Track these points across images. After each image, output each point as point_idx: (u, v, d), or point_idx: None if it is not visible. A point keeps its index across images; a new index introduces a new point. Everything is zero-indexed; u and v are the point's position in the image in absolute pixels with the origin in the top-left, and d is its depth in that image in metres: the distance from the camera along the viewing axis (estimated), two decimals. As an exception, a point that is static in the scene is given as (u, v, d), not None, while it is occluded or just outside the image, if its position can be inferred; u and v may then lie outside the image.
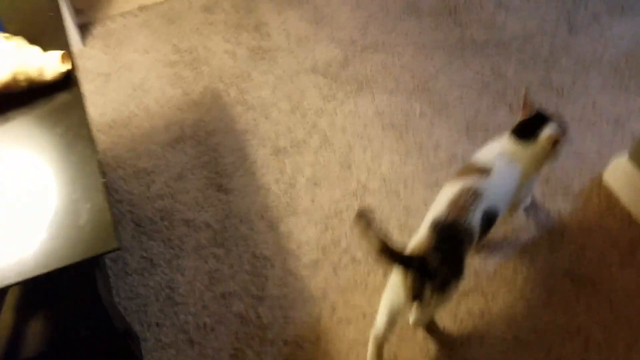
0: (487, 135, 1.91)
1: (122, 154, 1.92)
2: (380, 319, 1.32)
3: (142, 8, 2.40)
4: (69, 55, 1.12)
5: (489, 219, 1.31)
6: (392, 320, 1.31)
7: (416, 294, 1.20)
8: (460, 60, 2.17)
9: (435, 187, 1.78)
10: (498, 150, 1.42)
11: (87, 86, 2.10)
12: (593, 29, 2.26)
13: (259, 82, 2.11)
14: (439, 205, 1.29)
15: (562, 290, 1.56)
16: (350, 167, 1.85)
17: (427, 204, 1.73)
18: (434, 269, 1.17)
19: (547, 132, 1.38)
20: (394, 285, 1.26)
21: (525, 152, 1.39)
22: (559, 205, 1.74)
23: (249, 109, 2.02)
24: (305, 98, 2.05)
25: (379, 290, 1.47)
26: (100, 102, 2.07)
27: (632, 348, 1.43)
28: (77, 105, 1.07)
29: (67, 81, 1.09)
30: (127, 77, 2.15)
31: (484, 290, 1.57)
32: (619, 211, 1.70)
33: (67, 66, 1.10)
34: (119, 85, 2.12)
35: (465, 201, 1.26)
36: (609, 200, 1.73)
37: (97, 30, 2.32)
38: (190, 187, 1.82)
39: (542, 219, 1.71)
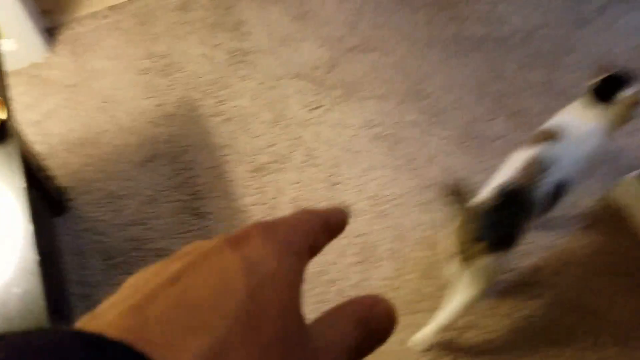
0: (484, 145, 1.76)
1: (91, 175, 1.78)
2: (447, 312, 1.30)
3: (112, 8, 2.23)
4: (3, 102, 0.98)
5: (559, 191, 1.22)
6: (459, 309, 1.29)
7: (468, 255, 1.15)
8: (456, 58, 2.00)
9: (428, 206, 1.65)
10: (572, 115, 1.30)
11: (54, 99, 1.96)
12: (600, 22, 2.08)
13: (237, 90, 1.96)
14: (507, 170, 1.24)
15: (567, 323, 1.44)
16: (336, 185, 1.71)
17: (419, 226, 1.60)
18: (489, 231, 1.13)
19: (627, 93, 1.25)
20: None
21: (602, 114, 1.26)
22: (565, 226, 1.60)
23: (227, 120, 1.88)
24: (288, 107, 1.90)
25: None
26: (69, 116, 1.93)
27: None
28: (13, 165, 0.93)
29: (2, 133, 0.95)
30: (96, 88, 2.00)
31: (482, 325, 1.46)
32: (628, 232, 1.57)
33: (1, 116, 0.96)
34: (88, 97, 1.98)
35: (534, 169, 1.19)
36: (618, 220, 1.59)
37: (64, 35, 2.16)
38: (163, 211, 1.69)
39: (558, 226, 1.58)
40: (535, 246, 1.57)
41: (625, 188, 1.59)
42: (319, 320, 0.23)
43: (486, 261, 1.15)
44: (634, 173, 1.56)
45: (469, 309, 1.28)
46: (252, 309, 0.19)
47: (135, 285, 0.20)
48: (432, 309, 1.48)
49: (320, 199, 1.68)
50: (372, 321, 0.24)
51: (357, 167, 1.75)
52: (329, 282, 1.54)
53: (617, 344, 1.40)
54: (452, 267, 1.23)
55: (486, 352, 1.43)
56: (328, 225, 0.26)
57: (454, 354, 1.42)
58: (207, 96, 1.94)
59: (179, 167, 1.78)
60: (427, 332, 1.39)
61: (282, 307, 0.20)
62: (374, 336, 0.24)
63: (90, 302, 1.54)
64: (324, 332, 0.22)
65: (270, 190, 1.72)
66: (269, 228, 0.23)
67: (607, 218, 1.60)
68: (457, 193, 1.17)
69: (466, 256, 1.17)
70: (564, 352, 1.41)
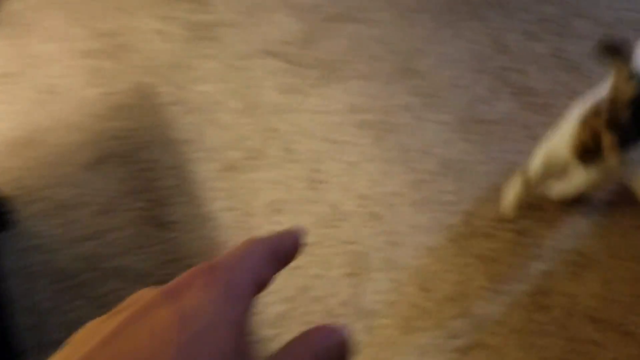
0: (486, 130, 1.55)
1: (36, 182, 1.55)
2: (536, 165, 1.21)
3: (51, -23, 1.94)
4: None
5: None
6: (547, 173, 1.21)
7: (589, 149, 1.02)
8: (451, 28, 1.77)
9: (425, 205, 1.45)
10: None
11: (-12, 91, 1.69)
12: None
13: (201, 73, 1.71)
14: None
15: (582, 338, 1.28)
16: (319, 184, 1.50)
17: (416, 229, 1.41)
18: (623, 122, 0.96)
19: None
20: (564, 134, 1.09)
21: None
22: (579, 222, 1.42)
23: (190, 110, 1.64)
24: (260, 91, 1.66)
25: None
26: (8, 112, 1.67)
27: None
28: None
29: None
30: (38, 77, 1.73)
31: (489, 344, 1.29)
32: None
33: None
34: (29, 88, 1.71)
35: None
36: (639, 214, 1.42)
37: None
38: (120, 222, 1.47)
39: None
40: (548, 248, 1.39)
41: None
42: (275, 358, 0.23)
43: (613, 157, 0.99)
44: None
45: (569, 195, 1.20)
46: None
47: (75, 345, 0.21)
48: (433, 328, 1.30)
49: (302, 201, 1.47)
50: (328, 353, 0.23)
51: (343, 162, 1.53)
52: (315, 300, 1.35)
53: (643, 361, 1.24)
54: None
55: (496, 374, 1.26)
56: (276, 254, 0.26)
57: (460, 378, 1.26)
58: (165, 82, 1.69)
59: (137, 168, 1.55)
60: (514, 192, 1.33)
61: (222, 359, 0.20)
62: None
63: (40, 334, 1.34)
64: None
65: (243, 192, 1.50)
66: (209, 272, 0.23)
67: (629, 213, 1.42)
68: (617, 52, 0.94)
69: (587, 151, 1.03)
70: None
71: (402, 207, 1.46)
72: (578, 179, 1.20)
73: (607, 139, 0.99)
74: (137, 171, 1.54)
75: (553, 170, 1.20)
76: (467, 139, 1.55)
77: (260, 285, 0.25)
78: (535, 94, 1.61)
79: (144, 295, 0.22)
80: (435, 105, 1.61)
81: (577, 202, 1.43)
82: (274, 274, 0.26)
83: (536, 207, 1.45)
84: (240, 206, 1.48)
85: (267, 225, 1.44)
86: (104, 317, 0.22)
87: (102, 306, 1.35)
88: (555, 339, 1.29)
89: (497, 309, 1.34)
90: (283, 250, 0.26)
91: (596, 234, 1.41)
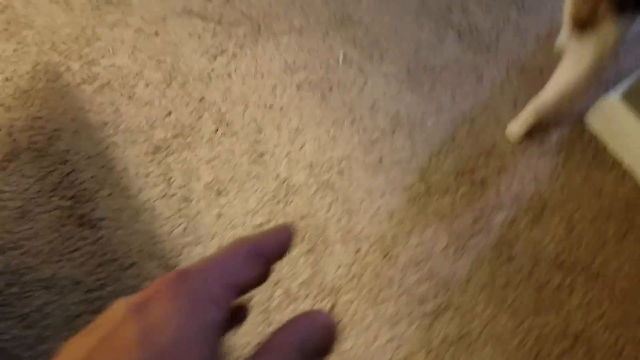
0: (434, 77, 1.46)
1: None
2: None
3: None
4: None
5: None
6: None
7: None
8: (384, -33, 1.62)
9: (379, 166, 1.36)
10: None
11: None
12: None
13: (110, 43, 1.49)
14: None
15: (551, 285, 1.25)
16: (263, 156, 1.37)
17: (371, 194, 1.32)
18: None
19: None
20: None
21: None
22: (535, 165, 1.37)
23: (103, 87, 1.44)
24: (181, 57, 1.48)
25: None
26: None
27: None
28: None
29: None
30: None
31: (459, 304, 1.24)
32: (609, 164, 1.37)
33: None
34: None
35: None
36: (596, 151, 1.38)
37: None
38: (40, 227, 1.29)
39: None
40: (508, 196, 1.34)
41: (603, 111, 1.36)
42: (256, 357, 0.22)
43: (610, 26, 0.97)
44: (615, 93, 1.32)
45: (571, 92, 1.14)
46: None
47: None
48: (400, 295, 1.24)
49: (246, 178, 1.34)
50: (312, 341, 0.23)
51: (285, 129, 1.40)
52: (273, 285, 1.25)
53: (612, 301, 1.24)
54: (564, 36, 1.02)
55: (465, 337, 1.22)
56: (259, 253, 0.25)
57: (425, 347, 1.21)
58: (70, 58, 1.47)
59: (50, 162, 1.35)
60: (521, 119, 1.32)
61: None
62: (318, 354, 0.23)
63: (-36, 367, 1.17)
64: None
65: (178, 175, 1.35)
66: (178, 280, 0.22)
67: (586, 150, 1.39)
68: None
69: (585, 17, 0.99)
70: (550, 318, 1.23)
71: (355, 171, 1.35)
72: (569, 65, 1.12)
73: (604, 5, 0.95)
74: (51, 166, 1.35)
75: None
76: (415, 89, 1.45)
77: (240, 287, 0.24)
78: (481, 33, 1.51)
79: (116, 311, 0.22)
80: (377, 57, 1.49)
81: (532, 140, 1.38)
82: (259, 273, 0.25)
83: (492, 155, 1.38)
84: (176, 191, 1.33)
85: (213, 209, 1.31)
86: (79, 336, 0.22)
87: (31, 326, 1.19)
88: (524, 289, 1.26)
89: (463, 267, 1.29)
90: (268, 248, 0.26)
91: (554, 175, 1.37)
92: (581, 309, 1.23)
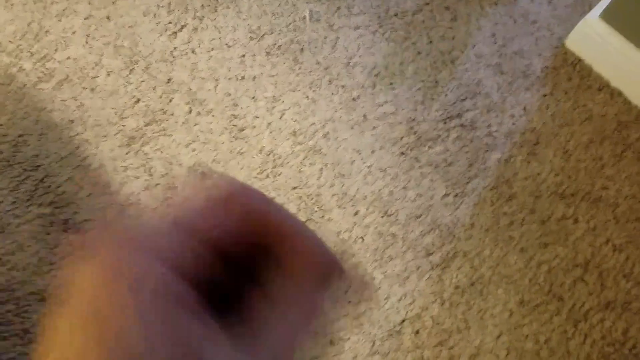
0: (408, 23, 1.47)
1: None
2: None
3: None
4: None
5: None
6: None
7: None
8: None
9: (363, 124, 1.38)
10: None
11: None
12: None
13: (61, 35, 1.47)
14: None
15: (555, 217, 1.31)
16: (243, 130, 1.38)
17: (360, 153, 1.35)
18: None
19: None
20: None
21: None
22: (523, 99, 1.41)
23: (62, 83, 1.42)
24: (139, 40, 1.46)
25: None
26: None
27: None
28: None
29: None
30: None
31: (466, 250, 1.29)
32: (596, 87, 1.41)
33: None
34: None
35: None
36: (581, 75, 1.42)
37: None
38: (21, 239, 1.29)
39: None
40: (500, 135, 1.38)
41: (583, 32, 1.39)
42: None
43: None
44: (594, 12, 1.35)
45: None
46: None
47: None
48: (406, 251, 1.28)
49: (229, 156, 1.35)
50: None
51: (262, 99, 1.40)
52: (276, 260, 1.27)
53: (617, 222, 1.29)
54: None
55: (476, 282, 1.27)
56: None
57: (439, 298, 1.26)
58: (20, 57, 1.44)
59: (20, 170, 1.34)
60: None
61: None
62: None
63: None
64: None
65: (158, 163, 1.35)
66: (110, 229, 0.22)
67: (571, 76, 1.42)
68: None
69: None
70: (558, 250, 1.29)
71: (340, 133, 1.37)
72: None
73: None
74: (22, 174, 1.34)
75: None
76: (389, 38, 1.46)
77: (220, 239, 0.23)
78: (449, -31, 1.52)
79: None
80: (345, 8, 1.49)
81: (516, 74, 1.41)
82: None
83: (478, 94, 1.41)
84: (160, 181, 1.34)
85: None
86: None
87: (33, 340, 1.21)
88: (529, 225, 1.31)
89: (465, 213, 1.33)
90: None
91: (543, 106, 1.41)
92: (587, 236, 1.29)
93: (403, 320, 1.23)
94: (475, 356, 1.21)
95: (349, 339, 1.21)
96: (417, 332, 1.22)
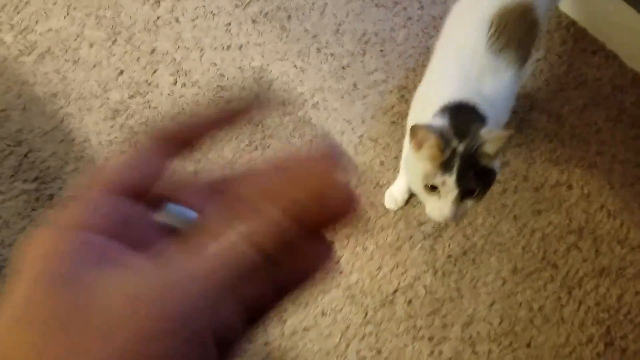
0: (400, -11, 1.45)
1: None
2: None
3: None
4: None
5: None
6: None
7: None
8: None
9: (354, 93, 1.37)
10: None
11: None
12: None
13: (41, 6, 1.45)
14: None
15: (548, 184, 1.31)
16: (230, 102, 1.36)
17: (351, 122, 1.34)
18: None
19: None
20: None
21: None
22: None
23: (44, 56, 1.41)
24: (121, 10, 1.45)
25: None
26: None
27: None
28: None
29: None
30: None
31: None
32: (590, 50, 1.40)
33: None
34: None
35: None
36: (576, 38, 1.41)
37: None
38: (7, 215, 1.29)
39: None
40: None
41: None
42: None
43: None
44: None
45: None
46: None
47: None
48: (398, 221, 1.28)
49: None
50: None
51: (249, 69, 1.40)
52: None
53: (612, 188, 1.30)
54: None
55: (469, 251, 1.28)
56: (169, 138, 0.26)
57: (431, 268, 1.27)
58: (0, 29, 1.42)
59: (3, 146, 1.34)
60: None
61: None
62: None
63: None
64: None
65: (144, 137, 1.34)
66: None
67: (566, 39, 1.41)
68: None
69: None
70: (552, 216, 1.29)
71: (330, 102, 1.37)
72: None
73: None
74: (6, 149, 1.33)
75: None
76: (379, 3, 1.44)
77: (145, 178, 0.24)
78: None
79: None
80: (333, -27, 1.47)
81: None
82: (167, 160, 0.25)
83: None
84: (146, 154, 1.33)
85: (188, 167, 1.31)
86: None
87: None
88: (522, 193, 1.32)
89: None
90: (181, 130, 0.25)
91: (536, 71, 1.40)
92: (582, 202, 1.29)
93: (395, 290, 1.24)
94: (468, 324, 1.22)
95: (341, 309, 1.22)
96: (410, 301, 1.23)
